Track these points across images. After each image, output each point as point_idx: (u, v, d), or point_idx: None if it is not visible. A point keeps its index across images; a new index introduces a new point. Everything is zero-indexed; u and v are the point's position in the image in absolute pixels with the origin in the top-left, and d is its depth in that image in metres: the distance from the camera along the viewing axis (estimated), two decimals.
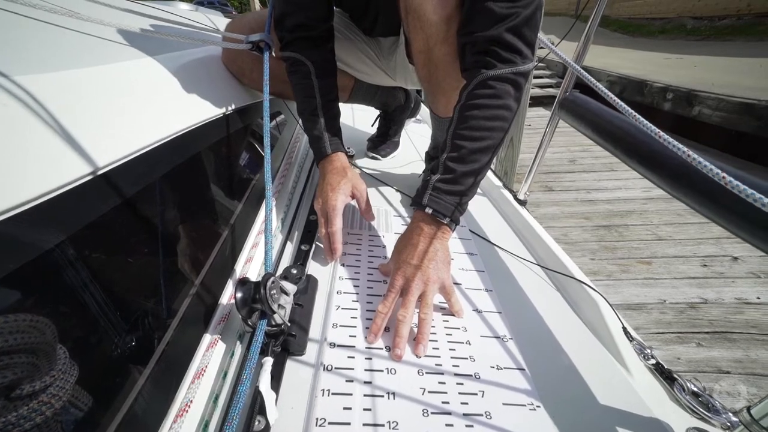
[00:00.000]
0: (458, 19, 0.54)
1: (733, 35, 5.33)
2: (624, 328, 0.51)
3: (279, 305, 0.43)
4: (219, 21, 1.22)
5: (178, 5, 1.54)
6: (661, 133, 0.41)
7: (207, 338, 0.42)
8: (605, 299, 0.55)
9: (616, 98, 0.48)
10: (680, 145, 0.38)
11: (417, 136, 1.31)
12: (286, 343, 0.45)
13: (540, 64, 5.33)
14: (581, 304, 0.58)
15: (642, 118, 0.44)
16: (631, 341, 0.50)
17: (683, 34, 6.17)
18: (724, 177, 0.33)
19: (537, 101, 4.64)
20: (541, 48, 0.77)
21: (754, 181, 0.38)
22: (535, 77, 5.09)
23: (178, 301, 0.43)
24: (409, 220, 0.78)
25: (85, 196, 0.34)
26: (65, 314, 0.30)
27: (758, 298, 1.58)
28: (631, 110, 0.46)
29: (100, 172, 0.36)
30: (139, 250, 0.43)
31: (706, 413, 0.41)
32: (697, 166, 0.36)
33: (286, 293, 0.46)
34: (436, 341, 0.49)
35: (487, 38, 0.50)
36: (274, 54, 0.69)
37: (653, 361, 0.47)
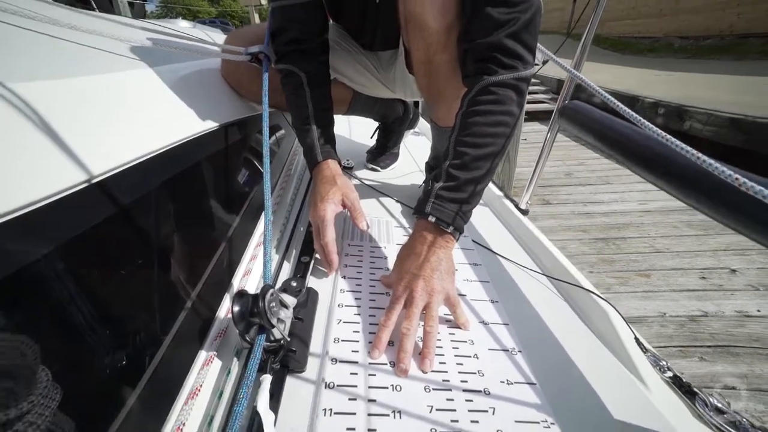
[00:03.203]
0: (458, 27, 0.54)
1: (718, 54, 5.56)
2: (637, 339, 0.49)
3: (278, 319, 0.41)
4: (218, 37, 1.23)
5: (178, 23, 1.56)
6: (667, 136, 0.40)
7: (202, 355, 0.40)
8: (615, 309, 0.54)
9: (618, 102, 0.48)
10: (689, 148, 0.37)
11: (416, 147, 1.31)
12: (285, 359, 0.42)
13: (534, 80, 5.46)
14: (590, 314, 0.56)
15: (646, 122, 0.43)
16: (645, 353, 0.48)
17: (671, 52, 6.41)
18: (737, 179, 0.32)
19: (532, 116, 4.71)
20: (537, 64, 0.78)
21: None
22: (530, 93, 5.20)
23: (172, 315, 0.41)
24: (410, 230, 0.77)
25: (74, 205, 0.32)
26: (48, 332, 0.28)
27: (758, 311, 1.57)
28: (634, 114, 0.45)
29: (94, 181, 0.34)
30: (132, 262, 0.40)
31: None
32: (707, 168, 0.35)
33: (286, 306, 0.44)
34: (443, 355, 0.47)
35: (488, 45, 0.50)
36: (273, 65, 0.70)
37: (670, 374, 0.45)
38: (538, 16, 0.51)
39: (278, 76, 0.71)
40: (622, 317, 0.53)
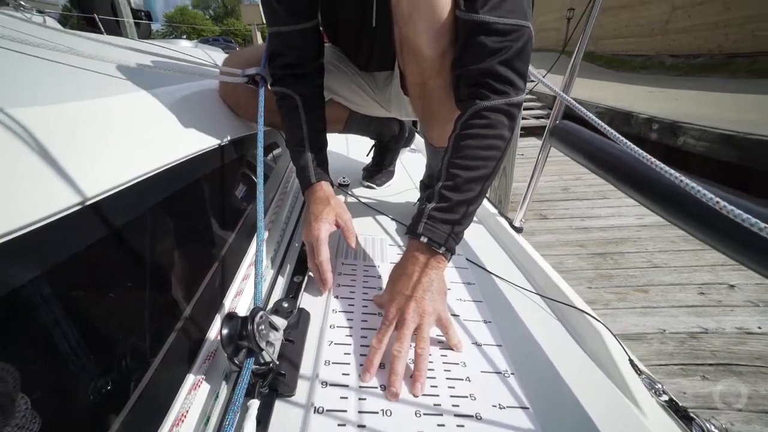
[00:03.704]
0: (452, 53, 0.56)
1: (708, 72, 5.74)
2: (631, 361, 0.49)
3: (268, 342, 0.40)
4: (217, 56, 1.26)
5: (179, 43, 1.60)
6: (651, 159, 0.41)
7: (190, 379, 0.40)
8: (608, 329, 0.53)
9: (604, 125, 0.49)
10: (671, 170, 0.38)
11: (412, 165, 1.33)
12: (274, 382, 0.42)
13: (531, 96, 5.56)
14: (584, 334, 0.56)
15: (631, 144, 0.44)
16: (639, 375, 0.47)
17: (663, 69, 6.58)
18: (718, 202, 0.33)
19: (529, 131, 4.78)
20: (531, 81, 0.80)
21: (747, 205, 0.37)
22: (527, 108, 5.29)
23: (162, 337, 0.41)
24: (404, 248, 0.77)
25: (68, 226, 0.33)
26: (30, 357, 0.28)
27: (759, 327, 1.55)
28: (620, 136, 0.46)
29: (88, 203, 0.35)
30: (123, 283, 0.41)
31: None
32: (689, 191, 0.36)
33: (276, 329, 0.44)
34: (434, 378, 0.46)
35: (481, 71, 0.52)
36: (269, 87, 0.71)
37: (666, 398, 0.45)
38: (530, 44, 0.53)
39: (274, 95, 0.72)
40: (616, 338, 0.52)
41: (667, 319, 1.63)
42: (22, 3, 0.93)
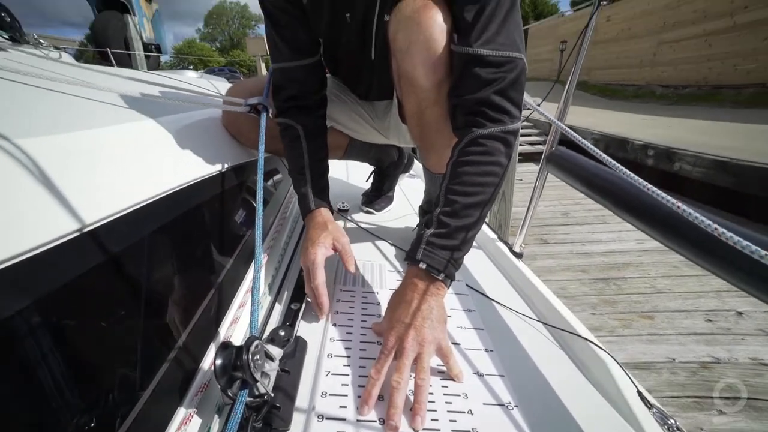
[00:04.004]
0: (448, 83, 0.58)
1: (697, 101, 5.99)
2: (639, 393, 0.47)
3: (263, 373, 0.39)
4: (222, 86, 1.31)
5: (186, 73, 1.66)
6: (648, 185, 0.42)
7: (181, 412, 0.38)
8: (614, 359, 0.52)
9: (600, 152, 0.50)
10: (668, 197, 0.38)
11: (410, 190, 1.34)
12: (269, 416, 0.40)
13: (527, 123, 5.71)
14: (589, 364, 0.54)
15: (627, 170, 0.45)
16: (650, 408, 0.45)
17: (654, 99, 6.81)
18: (716, 228, 0.33)
19: (527, 157, 4.85)
20: (527, 109, 0.82)
21: (745, 232, 0.37)
22: (524, 135, 5.41)
23: (152, 368, 0.40)
24: (404, 275, 0.76)
25: (66, 252, 0.33)
26: (13, 384, 0.27)
27: None
28: (615, 163, 0.47)
29: (86, 230, 0.35)
30: (112, 311, 0.40)
31: None
32: (687, 217, 0.36)
33: (272, 358, 0.42)
34: (435, 411, 0.44)
35: (476, 100, 0.53)
36: (271, 116, 0.73)
37: None
38: (523, 75, 0.54)
39: (276, 123, 0.74)
40: (623, 368, 0.51)
41: (676, 347, 1.59)
42: (41, 41, 1.00)
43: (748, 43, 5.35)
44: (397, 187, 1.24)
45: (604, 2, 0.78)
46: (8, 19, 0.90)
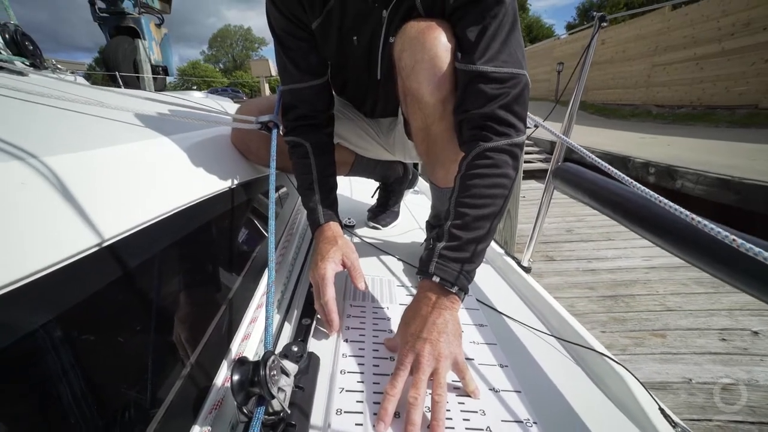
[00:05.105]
0: (453, 99, 0.59)
1: (692, 121, 6.15)
2: (662, 410, 0.46)
3: (279, 388, 0.38)
4: (226, 105, 1.35)
5: (191, 94, 1.71)
6: (661, 198, 0.42)
7: (195, 430, 0.37)
8: (633, 375, 0.51)
9: (608, 165, 0.50)
10: (683, 210, 0.38)
11: (415, 206, 1.34)
12: None
13: (528, 141, 5.81)
14: (606, 380, 0.53)
15: (637, 183, 0.45)
16: (674, 427, 0.44)
17: (651, 118, 6.94)
18: (734, 240, 0.33)
19: (529, 174, 4.90)
20: (530, 127, 0.84)
21: (765, 243, 0.37)
22: (526, 153, 5.49)
23: (166, 386, 0.39)
24: (412, 289, 0.75)
25: (77, 270, 0.33)
26: (29, 401, 0.27)
27: None
28: (625, 176, 0.47)
29: (99, 247, 0.35)
30: (125, 328, 0.39)
31: None
32: (703, 229, 0.36)
33: (287, 374, 0.42)
34: (453, 428, 0.43)
35: (482, 115, 0.54)
36: (281, 133, 0.75)
37: None
38: (527, 90, 0.56)
39: (284, 140, 0.76)
40: (642, 384, 0.49)
41: (691, 367, 1.54)
42: (59, 66, 1.10)
43: (737, 66, 5.60)
44: (402, 203, 1.24)
45: (605, 23, 0.81)
46: (31, 47, 0.97)
